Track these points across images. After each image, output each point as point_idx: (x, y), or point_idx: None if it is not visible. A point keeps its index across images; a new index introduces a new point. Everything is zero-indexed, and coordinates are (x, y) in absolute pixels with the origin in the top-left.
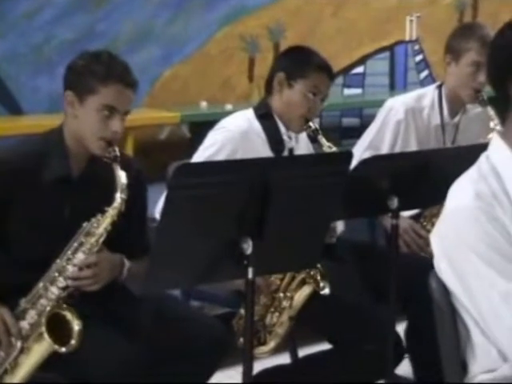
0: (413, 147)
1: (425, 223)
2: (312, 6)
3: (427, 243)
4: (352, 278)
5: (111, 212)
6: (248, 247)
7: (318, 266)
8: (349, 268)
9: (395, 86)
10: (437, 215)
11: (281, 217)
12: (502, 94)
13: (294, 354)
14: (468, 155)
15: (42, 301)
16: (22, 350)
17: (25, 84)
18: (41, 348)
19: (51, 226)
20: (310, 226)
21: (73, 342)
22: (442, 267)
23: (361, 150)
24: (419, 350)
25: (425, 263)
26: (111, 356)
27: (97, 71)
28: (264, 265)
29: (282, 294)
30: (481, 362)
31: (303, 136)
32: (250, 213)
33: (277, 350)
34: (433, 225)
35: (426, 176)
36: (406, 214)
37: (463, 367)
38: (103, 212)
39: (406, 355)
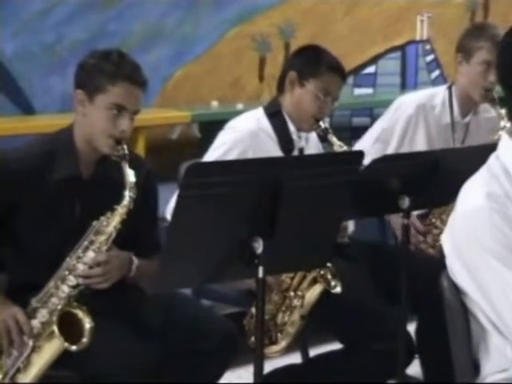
0: (420, 143)
1: (434, 220)
2: (323, 6)
3: (435, 239)
4: (363, 277)
5: (120, 210)
6: (259, 246)
7: (329, 265)
8: (360, 268)
9: (406, 85)
10: (445, 212)
11: (292, 216)
12: (511, 93)
13: (305, 354)
14: (479, 155)
15: (53, 299)
16: (33, 349)
17: (37, 83)
18: (52, 346)
19: (61, 225)
20: (321, 225)
21: (84, 340)
22: (455, 268)
23: (369, 142)
24: (430, 350)
25: (435, 263)
26: (122, 354)
27: (106, 70)
28: (275, 264)
29: (292, 293)
30: (495, 361)
31: (313, 136)
32: (261, 212)
33: (288, 350)
34: (442, 221)
35: (437, 176)
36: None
37: (475, 367)
38: (112, 210)
39: (417, 355)
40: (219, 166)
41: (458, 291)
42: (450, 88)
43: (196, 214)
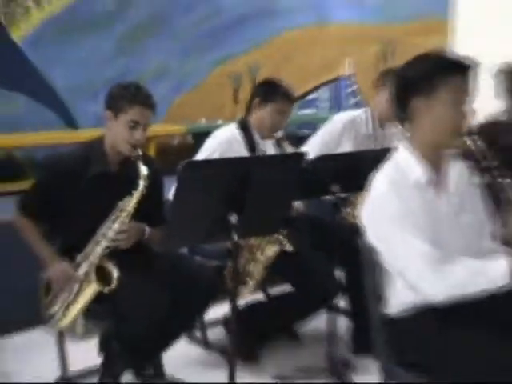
0: (348, 147)
1: (354, 199)
2: (280, 51)
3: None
4: (308, 240)
5: (136, 194)
6: (233, 219)
7: (284, 231)
8: (305, 234)
9: (337, 108)
10: (357, 202)
11: (256, 197)
12: (406, 112)
13: (267, 294)
14: (386, 155)
15: (91, 257)
16: (78, 291)
17: (80, 107)
18: (91, 289)
19: (97, 205)
20: (277, 204)
21: (113, 285)
22: (370, 235)
23: (314, 146)
24: (353, 289)
25: (357, 229)
26: (141, 296)
27: (127, 97)
28: (245, 231)
29: (258, 251)
30: (398, 297)
31: (270, 143)
32: (235, 195)
33: (255, 291)
34: (355, 207)
35: (359, 170)
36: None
37: (383, 300)
38: (131, 195)
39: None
40: (206, 162)
41: (372, 250)
42: (368, 110)
43: (190, 196)
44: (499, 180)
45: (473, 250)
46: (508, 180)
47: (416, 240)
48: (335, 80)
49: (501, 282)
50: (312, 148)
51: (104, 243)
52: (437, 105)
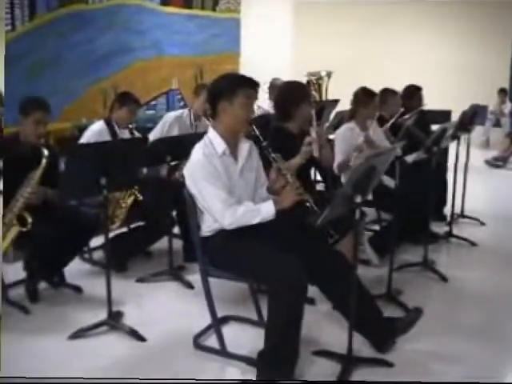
0: (176, 133)
1: (177, 172)
2: (133, 74)
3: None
4: (152, 192)
5: (40, 168)
6: (103, 181)
7: (136, 187)
8: (151, 188)
9: (169, 109)
10: (183, 167)
11: (118, 166)
12: (214, 110)
13: (129, 228)
14: (200, 137)
15: (14, 208)
16: (6, 231)
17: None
18: (14, 229)
19: (17, 175)
20: (131, 170)
21: (28, 226)
22: (190, 186)
23: (156, 132)
24: (182, 221)
25: (183, 184)
26: (46, 231)
27: (31, 104)
28: (111, 188)
29: (121, 201)
30: (206, 224)
31: (126, 131)
32: (104, 165)
33: (121, 226)
34: (181, 170)
35: (184, 146)
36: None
37: (199, 227)
38: (38, 167)
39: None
40: (86, 145)
41: (192, 197)
42: (189, 109)
43: (75, 168)
44: (270, 153)
45: (253, 197)
46: (274, 154)
47: (218, 190)
48: (168, 92)
49: (269, 216)
50: (155, 134)
51: (21, 200)
52: (235, 106)
